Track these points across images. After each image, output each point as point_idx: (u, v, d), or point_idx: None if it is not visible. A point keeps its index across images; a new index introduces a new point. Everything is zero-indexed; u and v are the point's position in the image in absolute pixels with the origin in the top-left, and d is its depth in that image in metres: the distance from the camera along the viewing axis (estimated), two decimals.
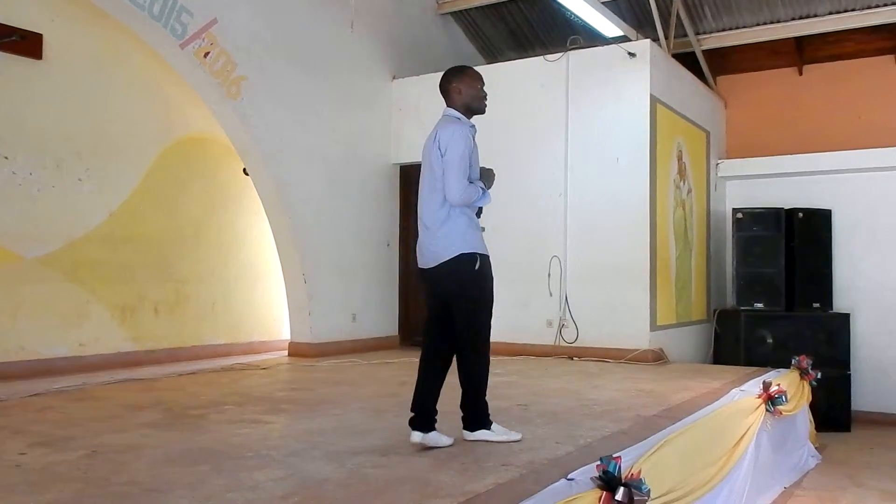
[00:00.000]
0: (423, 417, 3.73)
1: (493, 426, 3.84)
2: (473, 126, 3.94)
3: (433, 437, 3.72)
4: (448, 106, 3.97)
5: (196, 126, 7.72)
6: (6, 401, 5.03)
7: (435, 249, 3.80)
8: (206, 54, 6.79)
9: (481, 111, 3.99)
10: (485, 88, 3.99)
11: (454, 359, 3.86)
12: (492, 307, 3.87)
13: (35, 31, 6.40)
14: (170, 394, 5.40)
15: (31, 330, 6.36)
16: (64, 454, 3.55)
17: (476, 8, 9.82)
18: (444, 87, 3.98)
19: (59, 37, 6.60)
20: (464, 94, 3.92)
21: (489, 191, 3.91)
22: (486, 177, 3.95)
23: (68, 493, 2.93)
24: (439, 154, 3.78)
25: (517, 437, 3.82)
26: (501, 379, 6.10)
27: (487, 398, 3.88)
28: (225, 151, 7.82)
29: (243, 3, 7.18)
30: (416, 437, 3.70)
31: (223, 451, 3.60)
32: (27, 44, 6.32)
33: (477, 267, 3.77)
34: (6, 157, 6.26)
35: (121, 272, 7.02)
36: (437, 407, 3.78)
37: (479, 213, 3.94)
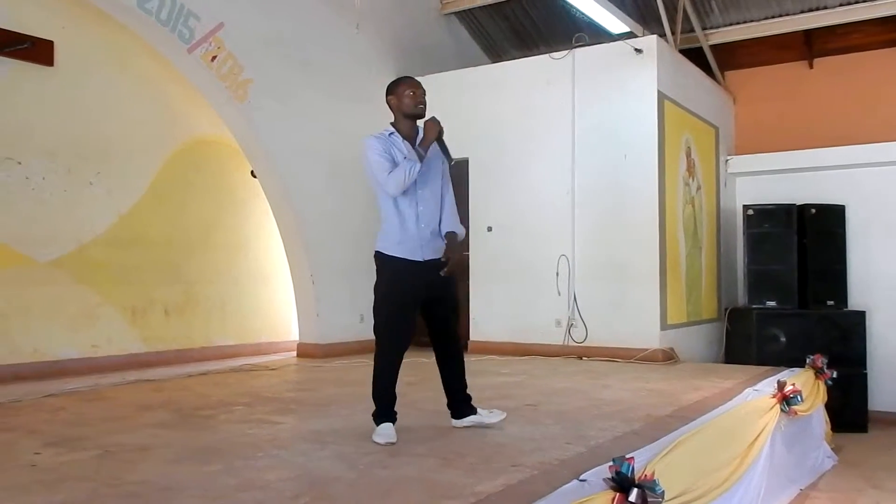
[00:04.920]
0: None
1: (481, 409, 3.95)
2: (393, 132, 4.08)
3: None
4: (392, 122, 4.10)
5: (204, 129, 7.75)
6: (20, 401, 5.07)
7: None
8: (214, 58, 6.81)
9: (417, 114, 4.12)
10: (418, 91, 4.10)
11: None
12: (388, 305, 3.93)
13: (46, 38, 6.46)
14: (179, 394, 5.42)
15: (44, 332, 6.42)
16: (77, 454, 3.57)
17: (479, 7, 9.76)
18: (387, 104, 4.13)
19: (70, 43, 6.66)
20: (396, 104, 4.10)
21: (432, 138, 4.03)
22: (426, 130, 4.04)
23: (82, 493, 2.94)
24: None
25: None
26: (509, 379, 6.09)
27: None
28: (233, 154, 7.83)
29: (250, 6, 7.21)
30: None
31: (233, 451, 3.60)
32: (39, 51, 6.38)
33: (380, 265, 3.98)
34: (19, 163, 6.33)
35: (130, 274, 7.06)
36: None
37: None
